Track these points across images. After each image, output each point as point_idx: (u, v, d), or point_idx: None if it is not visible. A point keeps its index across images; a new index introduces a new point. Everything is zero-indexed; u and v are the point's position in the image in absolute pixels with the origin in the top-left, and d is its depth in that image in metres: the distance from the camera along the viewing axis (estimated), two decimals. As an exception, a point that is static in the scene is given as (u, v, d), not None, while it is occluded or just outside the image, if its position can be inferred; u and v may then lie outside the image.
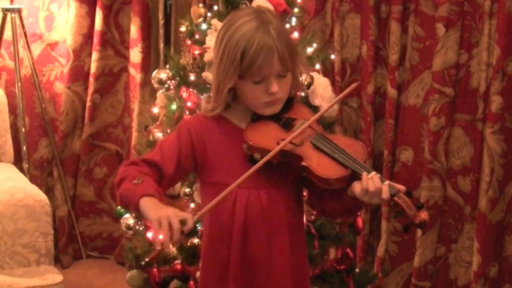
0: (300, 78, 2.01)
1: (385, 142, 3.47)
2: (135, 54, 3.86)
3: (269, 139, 1.89)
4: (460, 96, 3.32)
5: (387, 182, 1.80)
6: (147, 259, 1.80)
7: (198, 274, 2.72)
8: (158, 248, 1.69)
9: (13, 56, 3.72)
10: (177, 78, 3.00)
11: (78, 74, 3.94)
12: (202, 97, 2.82)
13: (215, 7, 2.92)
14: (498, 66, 3.12)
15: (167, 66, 3.13)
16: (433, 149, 3.33)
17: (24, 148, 3.74)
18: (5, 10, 3.68)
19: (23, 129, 3.74)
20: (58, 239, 3.92)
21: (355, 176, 1.82)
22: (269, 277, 1.95)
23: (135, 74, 3.88)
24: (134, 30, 3.84)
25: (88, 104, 3.94)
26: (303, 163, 1.85)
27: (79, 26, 3.88)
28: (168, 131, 2.96)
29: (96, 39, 3.87)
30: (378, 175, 1.80)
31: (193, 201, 2.88)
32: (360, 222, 2.99)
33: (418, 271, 3.42)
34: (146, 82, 3.85)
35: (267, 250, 1.94)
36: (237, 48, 1.84)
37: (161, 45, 3.87)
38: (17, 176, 3.40)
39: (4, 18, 3.69)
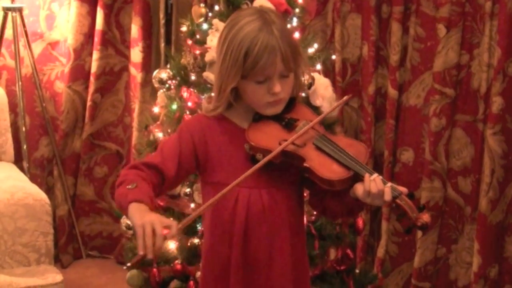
0: (302, 79, 2.00)
1: (385, 143, 3.47)
2: (136, 54, 3.86)
3: (271, 139, 1.88)
4: (461, 97, 3.32)
5: (389, 184, 1.80)
6: (128, 264, 1.79)
7: (198, 274, 2.72)
8: (141, 253, 1.69)
9: (13, 55, 3.72)
10: (178, 78, 3.00)
11: (79, 73, 3.94)
12: (203, 97, 2.81)
13: (216, 7, 2.92)
14: (499, 67, 3.12)
15: (168, 66, 3.12)
16: (433, 150, 3.33)
17: (25, 147, 3.73)
18: (6, 9, 3.68)
19: (24, 128, 3.73)
20: (58, 239, 3.92)
21: (357, 178, 1.82)
22: (270, 276, 1.96)
23: (136, 74, 3.88)
24: (135, 30, 3.84)
25: (88, 103, 3.93)
26: (305, 164, 1.85)
27: (80, 25, 3.87)
28: (169, 131, 2.96)
29: (97, 38, 3.87)
30: (380, 177, 1.80)
31: (193, 201, 2.88)
32: (360, 222, 2.99)
33: (418, 272, 3.42)
34: (146, 81, 3.84)
35: (268, 250, 1.94)
36: (240, 48, 1.84)
37: (162, 45, 3.87)
38: (17, 175, 3.40)
39: (5, 17, 3.69)
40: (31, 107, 3.90)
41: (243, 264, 1.94)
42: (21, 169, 3.62)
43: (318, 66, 2.99)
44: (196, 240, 2.82)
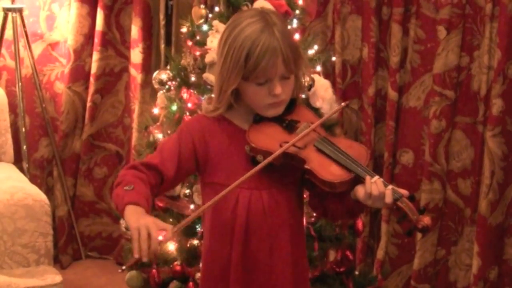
0: (302, 80, 2.01)
1: (385, 144, 3.47)
2: (136, 55, 3.86)
3: (272, 141, 1.88)
4: (461, 98, 3.32)
5: (390, 186, 1.80)
6: (123, 267, 1.79)
7: (197, 275, 2.72)
8: (136, 256, 1.69)
9: (13, 55, 3.72)
10: (178, 79, 2.99)
11: (79, 74, 3.93)
12: (203, 98, 2.81)
13: (217, 8, 2.92)
14: (499, 69, 3.12)
15: (168, 67, 3.12)
16: (433, 152, 3.33)
17: (24, 147, 3.73)
18: (6, 10, 3.67)
19: (23, 129, 3.73)
20: (58, 239, 3.91)
21: (358, 180, 1.82)
22: (270, 277, 1.96)
23: (136, 75, 3.88)
24: (135, 31, 3.84)
25: (88, 104, 3.93)
26: (306, 166, 1.85)
27: (80, 26, 3.87)
28: (169, 132, 2.96)
29: (97, 39, 3.87)
30: (381, 179, 1.80)
31: (192, 202, 2.88)
32: (360, 224, 2.99)
33: (417, 274, 3.42)
34: (146, 82, 3.84)
35: (268, 251, 1.94)
36: (242, 49, 1.84)
37: (162, 46, 3.87)
38: (17, 176, 3.40)
39: (5, 18, 3.69)
40: (31, 107, 3.89)
41: (243, 265, 1.94)
42: (21, 169, 3.62)
43: (318, 68, 2.99)
44: (195, 241, 2.82)
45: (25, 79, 3.82)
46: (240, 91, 1.92)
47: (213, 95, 2.01)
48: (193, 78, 2.91)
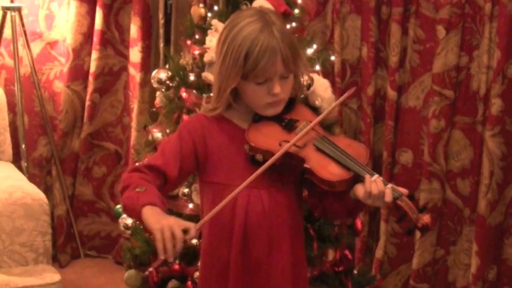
0: (301, 79, 2.00)
1: (384, 144, 3.47)
2: (135, 54, 3.86)
3: (271, 140, 1.88)
4: (460, 98, 3.32)
5: (390, 185, 1.80)
6: (150, 269, 1.79)
7: (196, 274, 2.72)
8: (162, 257, 1.69)
9: (12, 54, 3.71)
10: (177, 78, 2.99)
11: (78, 73, 3.93)
12: (204, 96, 2.81)
13: (216, 7, 2.92)
14: (498, 69, 3.12)
15: (167, 66, 3.12)
16: (432, 151, 3.33)
17: (23, 146, 3.73)
18: (5, 9, 3.67)
19: (22, 128, 3.73)
20: (56, 238, 3.91)
21: (357, 179, 1.82)
22: (269, 277, 1.95)
23: (135, 74, 3.88)
24: (134, 30, 3.84)
25: (87, 103, 3.93)
26: (305, 165, 1.85)
27: (79, 25, 3.87)
28: (167, 131, 2.96)
29: (96, 38, 3.87)
30: (381, 178, 1.80)
31: (191, 201, 2.87)
32: (359, 223, 2.99)
33: (416, 273, 3.42)
34: (145, 81, 3.84)
35: (267, 250, 1.94)
36: (241, 49, 1.84)
37: (161, 45, 3.87)
38: (15, 175, 3.40)
39: (4, 17, 3.68)
40: (29, 106, 3.89)
41: (242, 264, 1.94)
42: (20, 168, 3.61)
43: (317, 67, 2.98)
44: (194, 241, 2.81)
45: (24, 78, 3.82)
46: (239, 90, 1.92)
47: (212, 95, 2.01)
48: (192, 77, 2.91)
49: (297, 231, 2.01)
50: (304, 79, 2.72)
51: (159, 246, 1.68)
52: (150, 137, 3.06)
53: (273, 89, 1.87)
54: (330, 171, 1.83)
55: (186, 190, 2.89)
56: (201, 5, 2.98)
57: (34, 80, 3.81)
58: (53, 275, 3.07)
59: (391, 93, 3.41)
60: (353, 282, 2.99)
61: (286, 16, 2.86)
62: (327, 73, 3.39)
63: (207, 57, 2.77)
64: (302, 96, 2.78)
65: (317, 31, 3.56)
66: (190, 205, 2.86)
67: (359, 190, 1.81)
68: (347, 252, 2.95)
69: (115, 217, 3.21)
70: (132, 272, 2.97)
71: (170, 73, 3.03)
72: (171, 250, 1.68)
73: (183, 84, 2.94)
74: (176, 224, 1.71)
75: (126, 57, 3.94)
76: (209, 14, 2.94)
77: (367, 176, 1.81)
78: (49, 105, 3.95)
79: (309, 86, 2.80)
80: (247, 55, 1.84)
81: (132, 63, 3.89)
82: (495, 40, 3.13)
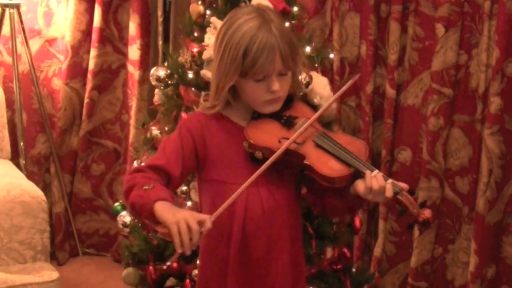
0: (300, 77, 2.00)
1: (383, 142, 3.47)
2: (134, 51, 3.85)
3: (271, 137, 1.88)
4: (459, 96, 3.32)
5: (390, 180, 1.81)
6: (168, 263, 1.79)
7: (194, 272, 2.72)
8: (179, 251, 1.69)
9: (11, 51, 3.71)
10: (175, 76, 2.99)
11: (77, 70, 3.93)
12: (203, 93, 2.81)
13: (214, 5, 2.91)
14: (497, 67, 3.12)
15: (166, 64, 3.12)
16: (431, 150, 3.33)
17: (22, 144, 3.73)
18: (4, 6, 3.67)
19: (21, 125, 3.73)
20: (55, 236, 3.91)
21: (358, 175, 1.82)
22: (269, 275, 1.96)
23: (134, 71, 3.88)
24: (133, 27, 3.83)
25: (86, 100, 3.93)
26: (305, 162, 1.85)
27: (78, 22, 3.87)
28: (166, 128, 2.96)
29: (94, 36, 3.87)
30: (381, 174, 1.80)
31: (190, 199, 2.87)
32: (357, 221, 2.99)
33: (415, 271, 3.42)
34: (144, 79, 3.84)
35: (266, 249, 1.94)
36: (239, 46, 1.84)
37: (160, 43, 3.86)
38: (14, 172, 3.39)
39: (2, 14, 3.68)
40: (28, 104, 3.89)
41: (241, 263, 1.94)
42: (18, 166, 3.61)
43: (316, 65, 2.98)
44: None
45: (23, 75, 3.81)
46: (237, 88, 1.92)
47: (210, 92, 2.01)
48: (190, 75, 2.90)
49: (296, 229, 2.01)
50: (303, 77, 2.72)
51: (176, 239, 1.68)
52: (148, 135, 3.06)
53: (271, 86, 1.87)
54: (330, 167, 1.83)
55: (184, 188, 2.89)
56: (200, 2, 2.98)
57: (32, 77, 3.81)
58: (51, 273, 3.07)
59: (390, 91, 3.41)
60: (352, 280, 2.99)
61: (285, 14, 2.86)
62: (326, 71, 3.39)
63: (205, 55, 2.77)
64: (301, 94, 2.79)
65: (316, 29, 3.55)
66: (189, 203, 2.86)
67: (360, 186, 1.81)
68: (345, 250, 2.95)
69: (114, 215, 3.20)
70: (130, 270, 2.97)
71: (168, 71, 3.03)
72: (188, 243, 1.68)
73: (181, 82, 2.94)
74: (191, 216, 1.70)
75: (125, 54, 3.93)
76: (208, 12, 2.94)
77: (368, 172, 1.81)
78: (47, 103, 3.95)
79: (308, 84, 2.80)
80: (246, 52, 1.83)
81: (130, 60, 3.89)
82: (494, 38, 3.13)
